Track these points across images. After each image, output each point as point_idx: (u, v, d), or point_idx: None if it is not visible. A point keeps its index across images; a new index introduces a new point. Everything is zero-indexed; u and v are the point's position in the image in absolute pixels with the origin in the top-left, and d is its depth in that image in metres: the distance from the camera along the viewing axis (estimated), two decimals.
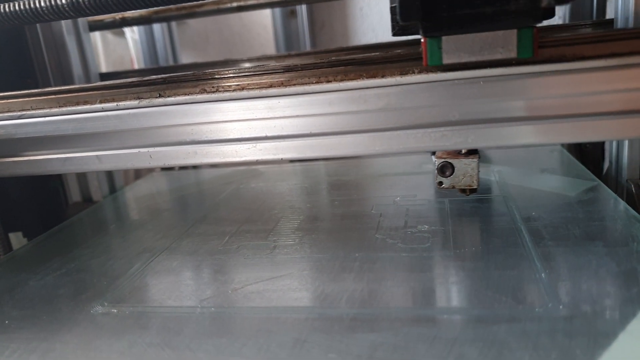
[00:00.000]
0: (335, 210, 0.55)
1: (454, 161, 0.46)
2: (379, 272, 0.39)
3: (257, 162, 0.41)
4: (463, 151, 0.47)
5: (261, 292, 0.38)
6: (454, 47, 0.34)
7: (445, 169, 0.46)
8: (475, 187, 0.47)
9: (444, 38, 0.33)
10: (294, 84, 0.38)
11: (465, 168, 0.46)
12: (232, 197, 0.63)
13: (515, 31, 0.32)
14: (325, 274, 0.40)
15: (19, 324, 0.37)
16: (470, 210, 0.49)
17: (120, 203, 0.69)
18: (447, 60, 0.34)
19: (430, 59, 0.34)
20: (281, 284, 0.39)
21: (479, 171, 0.47)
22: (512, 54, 0.33)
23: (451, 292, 0.36)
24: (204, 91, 0.40)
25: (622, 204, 0.46)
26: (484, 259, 0.39)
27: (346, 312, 0.34)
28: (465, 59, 0.34)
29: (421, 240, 0.43)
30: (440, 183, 0.47)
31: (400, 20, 0.32)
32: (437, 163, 0.46)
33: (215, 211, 0.59)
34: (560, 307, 0.31)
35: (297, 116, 0.39)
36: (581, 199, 0.49)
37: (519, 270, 0.36)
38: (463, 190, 0.48)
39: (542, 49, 0.35)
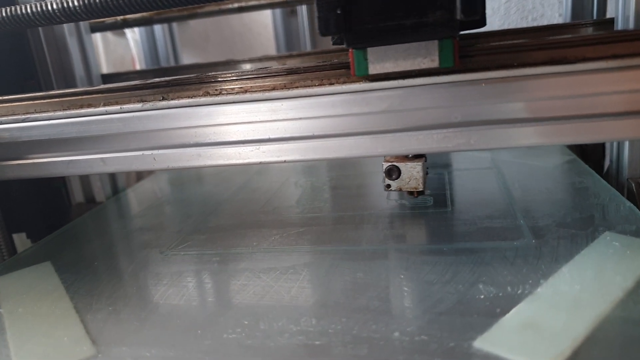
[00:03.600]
0: (350, 181, 0.63)
1: (400, 165, 0.47)
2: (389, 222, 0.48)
3: (261, 164, 0.41)
4: (410, 155, 0.48)
5: (299, 237, 0.46)
6: (379, 58, 0.35)
7: (392, 172, 0.47)
8: (422, 189, 0.48)
9: (369, 49, 0.35)
10: (297, 87, 0.39)
11: (410, 171, 0.47)
12: (251, 182, 0.68)
13: (436, 42, 0.34)
14: (348, 225, 0.48)
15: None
16: None
17: (140, 196, 0.70)
18: (372, 70, 0.35)
19: (357, 70, 0.35)
20: (315, 231, 0.47)
21: (426, 174, 0.49)
22: (435, 64, 0.34)
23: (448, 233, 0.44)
24: (207, 94, 0.40)
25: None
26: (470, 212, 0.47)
27: (366, 249, 0.42)
28: (390, 69, 0.35)
29: (424, 200, 0.52)
30: (388, 186, 0.48)
31: (320, 34, 0.33)
32: (384, 166, 0.48)
33: (245, 187, 0.65)
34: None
35: (300, 118, 0.39)
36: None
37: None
38: (411, 193, 0.50)
39: (543, 50, 0.35)
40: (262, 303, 0.35)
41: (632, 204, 0.44)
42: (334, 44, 0.36)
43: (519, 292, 0.33)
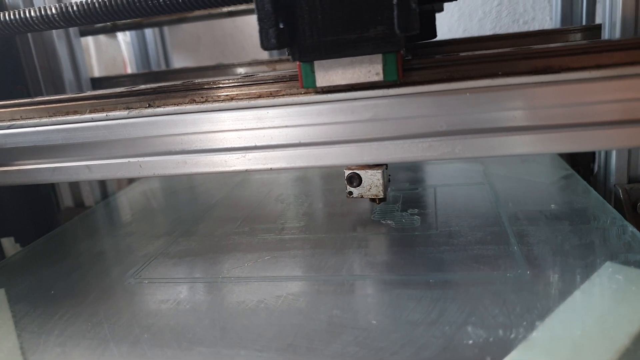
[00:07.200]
0: (335, 197, 0.60)
1: (361, 172, 0.47)
2: (373, 246, 0.45)
3: (247, 172, 0.41)
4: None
5: (274, 264, 0.43)
6: (326, 71, 0.35)
7: (352, 180, 0.47)
8: (382, 196, 0.48)
9: (315, 62, 0.35)
10: (283, 95, 0.39)
11: (371, 179, 0.47)
12: (238, 189, 0.66)
13: (380, 56, 0.34)
14: (328, 249, 0.45)
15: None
16: None
17: (124, 204, 0.69)
18: (320, 83, 0.36)
19: (305, 82, 0.36)
20: (292, 256, 0.44)
21: (387, 181, 0.48)
22: (380, 77, 0.34)
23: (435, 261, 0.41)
24: (193, 101, 0.40)
25: None
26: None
27: (347, 279, 0.39)
28: (337, 81, 0.35)
29: (411, 221, 0.50)
30: (350, 193, 0.48)
31: (262, 48, 0.33)
32: (345, 174, 0.48)
33: (225, 200, 0.63)
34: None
35: (286, 126, 0.39)
36: None
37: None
38: (373, 200, 0.49)
39: (529, 60, 0.35)
40: (225, 346, 0.32)
41: (634, 229, 0.42)
42: (288, 54, 0.36)
43: (512, 336, 0.30)
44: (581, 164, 0.69)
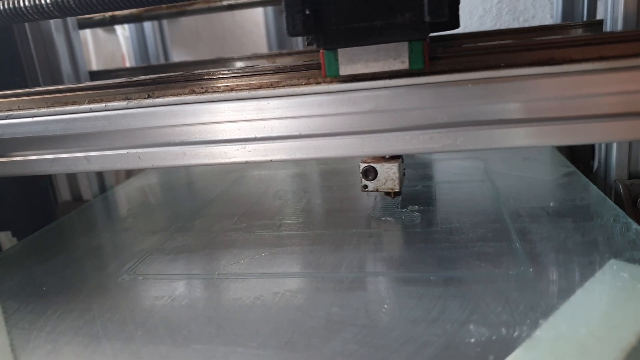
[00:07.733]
0: (333, 193, 0.59)
1: (377, 165, 0.47)
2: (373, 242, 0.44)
3: (247, 163, 0.40)
4: (387, 156, 0.47)
5: (272, 260, 0.42)
6: (350, 59, 0.35)
7: (368, 173, 0.47)
8: (398, 190, 0.47)
9: (339, 50, 0.34)
10: (284, 86, 0.38)
11: (387, 172, 0.46)
12: (236, 186, 0.66)
13: (406, 44, 0.33)
14: (327, 246, 0.44)
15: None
16: None
17: (122, 198, 0.68)
18: (343, 72, 0.35)
19: (328, 71, 0.35)
20: (290, 253, 0.44)
21: (402, 175, 0.48)
22: (405, 66, 0.34)
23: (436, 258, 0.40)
24: (193, 92, 0.40)
25: None
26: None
27: (345, 276, 0.39)
28: (361, 70, 0.35)
29: (411, 218, 0.49)
30: (365, 186, 0.47)
31: (288, 35, 0.33)
32: (361, 167, 0.47)
33: (223, 196, 0.62)
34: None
35: (287, 117, 0.39)
36: None
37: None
38: (388, 194, 0.49)
39: (531, 52, 0.35)
40: (221, 343, 0.31)
41: (638, 226, 0.41)
42: (307, 44, 0.36)
43: (515, 334, 0.29)
44: (581, 160, 0.68)
